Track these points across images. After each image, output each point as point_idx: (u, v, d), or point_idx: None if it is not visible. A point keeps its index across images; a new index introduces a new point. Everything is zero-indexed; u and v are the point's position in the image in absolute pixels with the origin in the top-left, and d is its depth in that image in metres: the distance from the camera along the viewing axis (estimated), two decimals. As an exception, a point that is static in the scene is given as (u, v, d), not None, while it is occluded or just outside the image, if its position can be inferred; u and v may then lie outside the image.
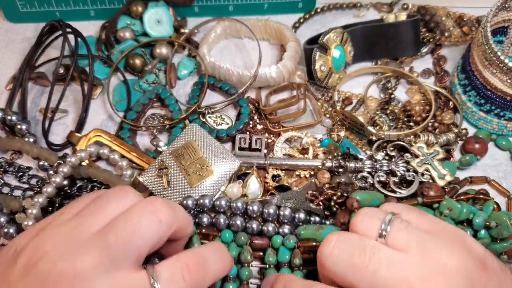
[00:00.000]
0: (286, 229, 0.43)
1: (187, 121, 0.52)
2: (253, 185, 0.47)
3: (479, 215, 0.41)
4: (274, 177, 0.48)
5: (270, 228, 0.43)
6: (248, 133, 0.51)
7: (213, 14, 0.58)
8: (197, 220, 0.43)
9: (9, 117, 0.50)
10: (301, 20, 0.60)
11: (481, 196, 0.46)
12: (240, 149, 0.50)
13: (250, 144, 0.50)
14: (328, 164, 0.48)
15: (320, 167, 0.48)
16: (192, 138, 0.48)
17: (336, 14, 0.61)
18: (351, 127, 0.51)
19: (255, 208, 0.43)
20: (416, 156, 0.48)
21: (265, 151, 0.50)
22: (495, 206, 0.44)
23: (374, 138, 0.49)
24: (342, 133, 0.51)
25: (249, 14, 0.59)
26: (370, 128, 0.49)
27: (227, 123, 0.52)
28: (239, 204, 0.43)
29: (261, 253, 0.42)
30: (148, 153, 0.50)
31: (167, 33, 0.57)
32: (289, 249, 0.42)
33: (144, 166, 0.49)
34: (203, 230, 0.42)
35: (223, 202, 0.43)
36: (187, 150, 0.48)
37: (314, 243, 0.41)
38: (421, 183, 0.47)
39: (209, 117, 0.52)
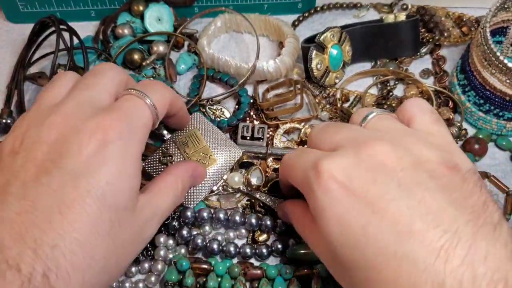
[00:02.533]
0: (279, 245, 0.45)
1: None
2: (256, 175, 0.48)
3: None
4: (275, 170, 0.48)
5: (264, 250, 0.44)
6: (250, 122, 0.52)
7: (213, 14, 0.58)
8: (190, 246, 0.45)
9: (4, 121, 0.51)
10: (300, 18, 0.60)
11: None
12: (242, 137, 0.50)
13: (252, 133, 0.50)
14: None
15: None
16: (195, 127, 0.49)
17: (336, 14, 0.62)
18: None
19: (253, 220, 0.45)
20: None
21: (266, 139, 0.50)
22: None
23: None
24: None
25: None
26: None
27: (226, 117, 0.53)
28: (237, 218, 0.45)
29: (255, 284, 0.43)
30: (156, 143, 0.51)
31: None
32: (286, 280, 0.42)
33: (147, 154, 0.49)
34: (195, 265, 0.43)
35: (221, 215, 0.45)
36: (191, 138, 0.48)
37: (307, 270, 0.41)
38: None
39: (209, 108, 0.53)
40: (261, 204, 0.47)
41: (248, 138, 0.50)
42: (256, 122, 0.52)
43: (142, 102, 0.34)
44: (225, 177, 0.47)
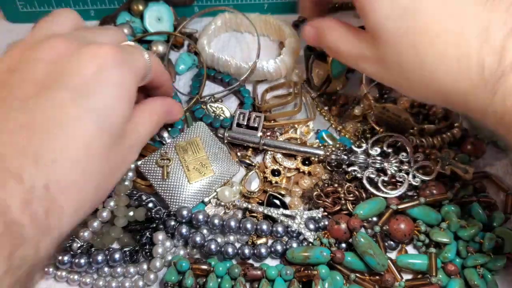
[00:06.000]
0: (278, 246, 0.44)
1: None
2: (253, 179, 0.48)
3: (490, 238, 0.42)
4: (274, 171, 0.48)
5: (263, 250, 0.44)
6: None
7: (213, 13, 0.58)
8: (189, 244, 0.44)
9: None
10: (301, 19, 0.60)
11: (482, 198, 0.46)
12: (238, 125, 0.50)
13: (248, 121, 0.50)
14: (329, 155, 0.47)
15: (317, 157, 0.48)
16: (197, 136, 0.49)
17: (336, 14, 0.61)
18: (388, 121, 0.50)
19: (248, 226, 0.44)
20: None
21: (261, 133, 0.50)
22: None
23: (415, 129, 0.48)
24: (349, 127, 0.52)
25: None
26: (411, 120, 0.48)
27: (227, 116, 0.52)
28: (232, 224, 0.44)
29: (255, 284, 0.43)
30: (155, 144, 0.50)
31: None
32: (286, 281, 0.42)
33: (145, 154, 0.49)
34: (195, 265, 0.42)
35: (216, 221, 0.44)
36: (191, 146, 0.48)
37: (309, 272, 0.41)
38: (412, 185, 0.46)
39: (210, 106, 0.53)
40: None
41: (243, 126, 0.50)
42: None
43: (140, 52, 0.36)
44: (218, 190, 0.47)
